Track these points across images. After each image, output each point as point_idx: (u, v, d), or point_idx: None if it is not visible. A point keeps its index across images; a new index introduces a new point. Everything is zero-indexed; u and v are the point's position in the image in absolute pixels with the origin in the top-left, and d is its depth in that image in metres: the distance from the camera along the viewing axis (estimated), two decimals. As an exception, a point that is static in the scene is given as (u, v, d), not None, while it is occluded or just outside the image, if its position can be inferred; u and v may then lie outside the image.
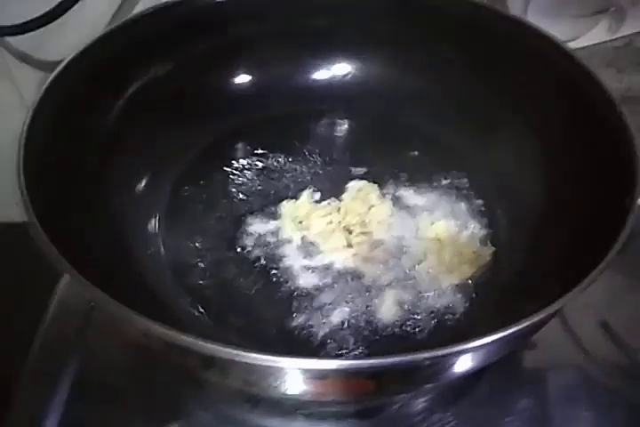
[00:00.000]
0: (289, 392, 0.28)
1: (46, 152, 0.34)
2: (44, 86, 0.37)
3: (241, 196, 0.47)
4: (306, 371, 0.25)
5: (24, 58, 0.57)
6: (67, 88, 0.38)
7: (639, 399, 0.42)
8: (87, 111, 0.40)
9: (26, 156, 0.32)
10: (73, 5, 0.50)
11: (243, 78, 0.51)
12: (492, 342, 0.26)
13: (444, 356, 0.26)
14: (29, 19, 0.49)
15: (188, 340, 0.24)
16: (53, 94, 0.37)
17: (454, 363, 0.28)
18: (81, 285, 0.26)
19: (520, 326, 0.27)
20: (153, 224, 0.43)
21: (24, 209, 0.30)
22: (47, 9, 0.49)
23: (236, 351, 0.23)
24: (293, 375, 0.26)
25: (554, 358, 0.44)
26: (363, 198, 0.46)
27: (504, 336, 0.26)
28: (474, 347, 0.26)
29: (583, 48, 0.63)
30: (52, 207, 0.32)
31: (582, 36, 0.62)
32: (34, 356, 0.41)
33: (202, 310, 0.39)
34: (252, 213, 0.46)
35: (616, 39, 0.62)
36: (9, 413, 0.38)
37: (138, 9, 0.53)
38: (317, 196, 0.47)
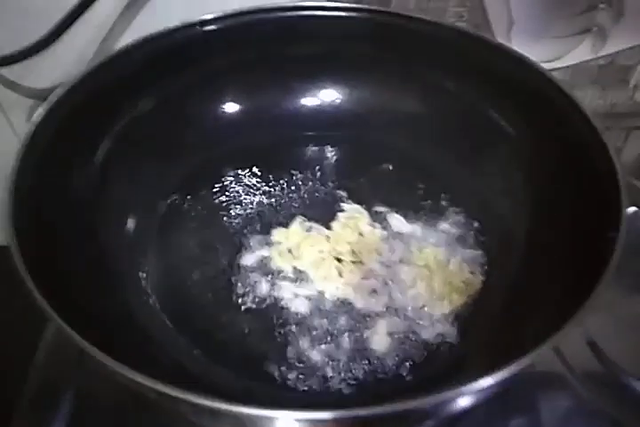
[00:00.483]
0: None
1: (33, 196, 0.34)
2: (30, 128, 0.37)
3: (232, 225, 0.47)
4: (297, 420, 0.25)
5: (11, 86, 0.58)
6: (52, 129, 0.38)
7: (627, 419, 0.42)
8: (73, 151, 0.40)
9: (15, 200, 0.33)
10: (59, 37, 0.50)
11: (231, 107, 0.51)
12: (481, 386, 0.27)
13: (436, 403, 0.26)
14: (16, 49, 0.50)
15: (177, 393, 0.25)
16: (40, 135, 0.37)
17: (446, 407, 0.28)
18: (74, 340, 0.26)
19: (507, 370, 0.27)
20: (143, 259, 0.43)
21: (14, 256, 0.30)
22: (33, 40, 0.49)
23: (224, 405, 0.24)
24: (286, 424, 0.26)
25: (544, 379, 0.44)
26: (352, 226, 0.46)
27: (494, 381, 0.27)
28: (465, 391, 0.26)
29: (567, 67, 0.63)
30: (41, 253, 0.32)
31: (566, 56, 0.63)
32: (27, 394, 0.41)
33: (195, 348, 0.39)
34: (242, 243, 0.46)
35: (599, 58, 0.63)
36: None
37: (124, 38, 0.54)
38: (307, 223, 0.47)
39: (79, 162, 0.41)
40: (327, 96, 0.53)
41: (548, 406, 0.42)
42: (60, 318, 0.27)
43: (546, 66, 0.45)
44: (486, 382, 0.26)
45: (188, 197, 0.48)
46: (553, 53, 0.63)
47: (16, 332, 0.49)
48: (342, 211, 0.48)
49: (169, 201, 0.47)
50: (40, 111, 0.38)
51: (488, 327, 0.40)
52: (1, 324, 0.55)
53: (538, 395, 0.43)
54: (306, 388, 0.38)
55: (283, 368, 0.39)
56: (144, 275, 0.43)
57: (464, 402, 0.30)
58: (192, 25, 0.47)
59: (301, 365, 0.39)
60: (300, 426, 0.28)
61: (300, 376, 0.39)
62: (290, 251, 0.45)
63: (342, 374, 0.39)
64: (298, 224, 0.47)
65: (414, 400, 0.25)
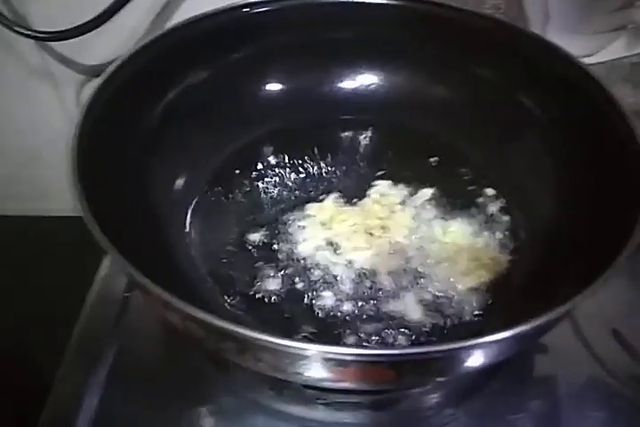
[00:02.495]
0: (314, 378, 0.31)
1: (95, 151, 0.37)
2: (92, 92, 0.40)
3: (268, 198, 0.50)
4: (331, 359, 0.28)
5: (65, 61, 0.61)
6: (111, 94, 0.41)
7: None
8: (130, 115, 0.43)
9: (78, 154, 0.36)
10: (115, 14, 0.53)
11: (273, 86, 0.54)
12: (503, 339, 0.29)
13: (456, 349, 0.28)
14: (72, 26, 0.53)
15: (226, 326, 0.27)
16: (99, 100, 0.40)
17: (466, 357, 0.30)
18: (129, 271, 0.29)
19: (529, 326, 0.29)
20: (188, 219, 0.46)
21: (77, 201, 0.33)
22: (90, 16, 0.52)
23: (270, 338, 0.26)
24: (319, 362, 0.28)
25: (565, 363, 0.46)
26: (384, 203, 0.48)
27: (514, 334, 0.29)
28: (485, 343, 0.28)
29: (600, 63, 0.64)
30: (101, 200, 0.34)
31: (600, 52, 0.64)
32: (73, 341, 0.44)
33: (230, 300, 0.42)
34: (278, 214, 0.48)
35: (633, 55, 0.64)
36: (49, 395, 0.41)
37: (174, 18, 0.57)
38: (341, 199, 0.49)
39: (134, 127, 0.44)
40: (364, 80, 0.55)
41: (568, 388, 0.44)
42: (124, 257, 0.30)
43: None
44: (506, 334, 0.28)
45: (231, 168, 0.51)
46: (587, 49, 0.64)
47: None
48: (375, 188, 0.50)
49: (214, 170, 0.50)
50: (97, 80, 0.41)
51: (513, 302, 0.42)
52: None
53: (559, 377, 0.45)
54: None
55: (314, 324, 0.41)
56: (189, 232, 0.46)
57: (479, 357, 0.31)
58: (241, 7, 0.49)
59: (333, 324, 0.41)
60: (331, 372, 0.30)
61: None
62: (323, 224, 0.48)
63: (364, 338, 0.41)
64: (332, 200, 0.49)
65: (439, 345, 0.27)
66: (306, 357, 0.27)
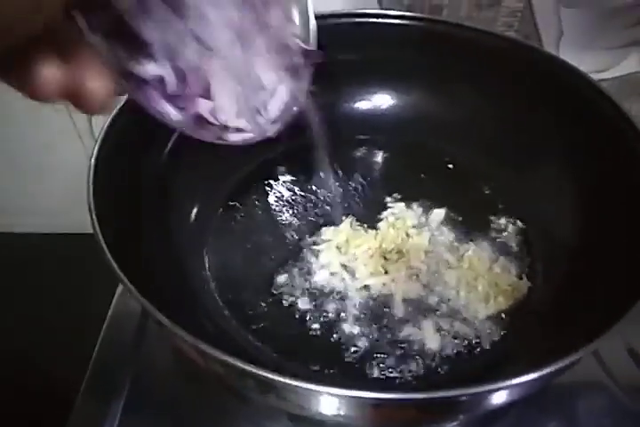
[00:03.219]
0: (333, 417, 0.30)
1: (111, 187, 0.37)
2: (106, 122, 0.40)
3: (283, 221, 0.50)
4: (357, 400, 0.27)
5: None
6: (121, 132, 0.40)
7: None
8: (143, 149, 0.43)
9: (95, 189, 0.35)
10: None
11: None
12: (527, 381, 0.28)
13: (480, 393, 0.28)
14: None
15: (249, 369, 0.27)
16: (110, 137, 0.39)
17: (489, 399, 0.30)
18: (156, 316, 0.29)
19: (554, 368, 0.28)
20: (204, 249, 0.46)
21: (94, 234, 0.33)
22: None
23: (294, 382, 0.26)
24: (345, 403, 0.28)
25: (582, 384, 0.45)
26: (399, 226, 0.48)
27: (538, 377, 0.28)
28: (509, 385, 0.28)
29: (614, 78, 0.64)
30: (119, 235, 0.34)
31: (614, 68, 0.64)
32: (91, 368, 0.44)
33: (250, 331, 0.42)
34: (293, 239, 0.48)
35: (646, 70, 0.64)
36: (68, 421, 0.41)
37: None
38: (356, 223, 0.49)
39: (150, 152, 0.44)
40: (379, 101, 0.55)
41: (587, 410, 0.43)
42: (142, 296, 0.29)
43: (592, 77, 0.46)
44: (527, 377, 0.28)
45: (244, 192, 0.51)
46: (600, 65, 0.63)
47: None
48: (390, 210, 0.50)
49: (227, 194, 0.50)
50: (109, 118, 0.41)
51: (532, 330, 0.41)
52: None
53: (577, 399, 0.44)
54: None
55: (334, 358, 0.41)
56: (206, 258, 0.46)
57: (504, 397, 0.31)
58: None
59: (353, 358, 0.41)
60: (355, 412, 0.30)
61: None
62: (339, 248, 0.47)
63: (384, 367, 0.40)
64: (347, 223, 0.49)
65: (452, 390, 0.27)
66: (331, 399, 0.27)
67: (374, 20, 0.52)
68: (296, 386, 0.26)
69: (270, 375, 0.26)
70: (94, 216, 0.34)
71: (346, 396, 0.26)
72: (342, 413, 0.28)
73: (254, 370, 0.26)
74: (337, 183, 0.52)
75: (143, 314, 0.47)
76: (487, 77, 0.51)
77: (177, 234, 0.44)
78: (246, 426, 0.41)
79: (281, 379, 0.26)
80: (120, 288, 0.50)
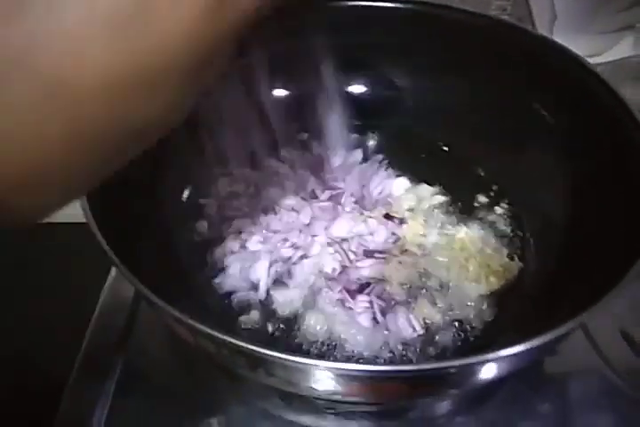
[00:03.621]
0: (325, 392, 0.31)
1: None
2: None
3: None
4: (343, 374, 0.27)
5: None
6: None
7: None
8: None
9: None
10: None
11: (279, 92, 0.53)
12: (516, 353, 0.28)
13: (469, 365, 0.28)
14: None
15: (239, 344, 0.27)
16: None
17: (478, 372, 0.30)
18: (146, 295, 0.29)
19: (539, 341, 0.28)
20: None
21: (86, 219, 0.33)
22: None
23: (285, 356, 0.26)
24: (331, 378, 0.28)
25: (575, 366, 0.45)
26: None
27: (526, 349, 0.28)
28: (498, 357, 0.28)
29: (608, 63, 0.64)
30: (111, 218, 0.34)
31: (608, 51, 0.64)
32: (83, 351, 0.44)
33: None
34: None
35: (640, 54, 0.63)
36: (59, 407, 0.41)
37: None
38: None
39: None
40: (371, 85, 0.55)
41: (579, 391, 0.44)
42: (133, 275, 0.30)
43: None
44: (515, 349, 0.28)
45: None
46: (594, 49, 0.63)
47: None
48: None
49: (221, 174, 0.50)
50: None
51: (524, 310, 0.41)
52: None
53: (570, 381, 0.44)
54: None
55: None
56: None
57: (493, 371, 0.31)
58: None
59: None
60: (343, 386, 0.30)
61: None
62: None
63: (382, 350, 0.41)
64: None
65: (445, 362, 0.27)
66: (318, 373, 0.27)
67: (363, 3, 0.51)
68: (285, 359, 0.26)
69: (258, 349, 0.26)
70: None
71: (334, 369, 0.26)
72: (332, 388, 0.29)
73: (243, 344, 0.26)
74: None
75: (134, 300, 0.47)
76: (478, 61, 0.50)
77: (171, 218, 0.44)
78: (238, 406, 0.41)
79: (269, 352, 0.26)
80: (113, 272, 0.50)
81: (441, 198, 0.49)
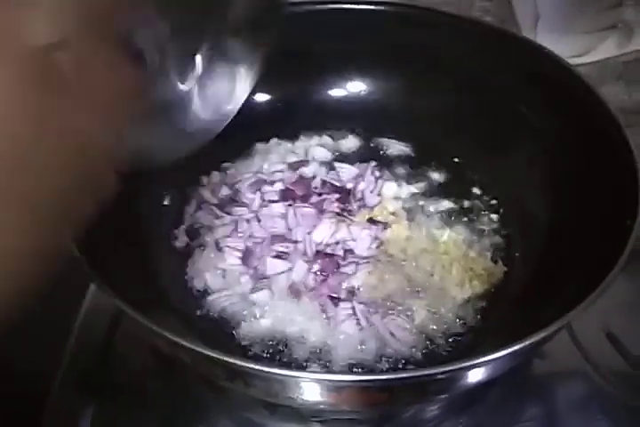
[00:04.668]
0: (308, 403, 0.30)
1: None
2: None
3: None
4: (324, 384, 0.27)
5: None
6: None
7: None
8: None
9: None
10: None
11: (261, 97, 0.53)
12: (499, 357, 0.28)
13: (451, 371, 0.27)
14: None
15: (216, 356, 0.26)
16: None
17: (463, 377, 0.30)
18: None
19: (524, 344, 0.28)
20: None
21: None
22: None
23: (264, 368, 0.26)
24: (312, 388, 0.28)
25: (561, 367, 0.45)
26: (377, 214, 0.48)
27: (511, 352, 0.28)
28: (481, 362, 0.28)
29: (593, 63, 0.64)
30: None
31: (592, 52, 0.63)
32: (66, 361, 0.44)
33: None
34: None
35: (625, 54, 0.63)
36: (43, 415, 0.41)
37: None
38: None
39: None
40: (354, 88, 0.55)
41: (566, 393, 0.44)
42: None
43: (571, 61, 0.46)
44: (500, 353, 0.28)
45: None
46: (578, 49, 0.63)
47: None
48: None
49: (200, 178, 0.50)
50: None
51: (508, 314, 0.41)
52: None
53: (556, 382, 0.44)
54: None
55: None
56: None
57: (482, 374, 0.31)
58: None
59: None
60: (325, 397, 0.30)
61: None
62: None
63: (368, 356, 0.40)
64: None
65: (431, 369, 0.27)
66: (296, 384, 0.27)
67: (348, 6, 0.51)
68: (261, 371, 0.25)
69: (232, 360, 0.26)
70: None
71: (311, 379, 0.26)
72: (311, 398, 0.28)
73: (219, 356, 0.26)
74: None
75: (115, 311, 0.46)
76: (462, 63, 0.50)
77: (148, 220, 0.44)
78: (223, 417, 0.41)
79: (243, 364, 0.25)
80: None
81: (425, 202, 0.49)
